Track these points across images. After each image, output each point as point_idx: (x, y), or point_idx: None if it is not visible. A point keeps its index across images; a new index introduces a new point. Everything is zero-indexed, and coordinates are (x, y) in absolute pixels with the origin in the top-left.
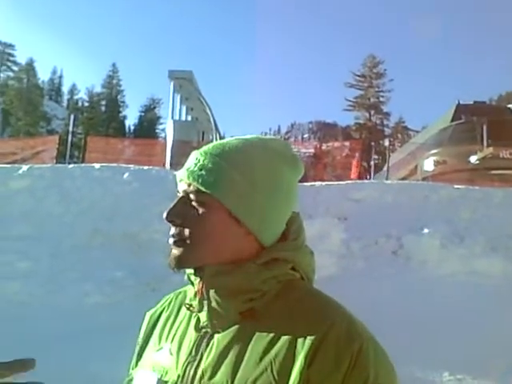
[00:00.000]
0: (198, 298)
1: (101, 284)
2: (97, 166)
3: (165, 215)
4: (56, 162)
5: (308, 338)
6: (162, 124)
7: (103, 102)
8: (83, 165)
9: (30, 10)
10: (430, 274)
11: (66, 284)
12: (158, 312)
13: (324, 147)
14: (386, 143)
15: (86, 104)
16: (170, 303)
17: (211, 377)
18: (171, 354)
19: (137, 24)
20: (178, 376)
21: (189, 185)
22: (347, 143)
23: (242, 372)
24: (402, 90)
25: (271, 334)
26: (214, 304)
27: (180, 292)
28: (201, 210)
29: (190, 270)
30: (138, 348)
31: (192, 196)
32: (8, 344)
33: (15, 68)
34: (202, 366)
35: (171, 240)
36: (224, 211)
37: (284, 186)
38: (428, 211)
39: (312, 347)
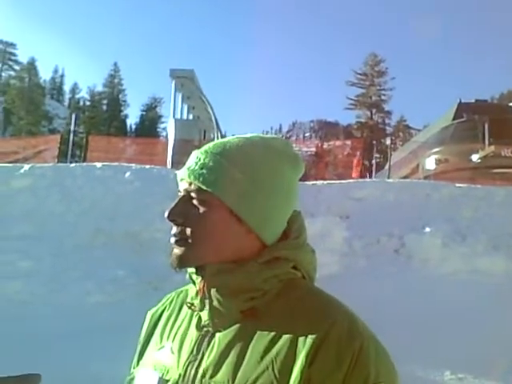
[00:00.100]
0: (199, 297)
1: (103, 283)
2: (98, 165)
3: (166, 214)
4: (58, 161)
5: (309, 336)
6: (163, 123)
7: (105, 101)
8: (85, 164)
9: (31, 9)
10: (431, 272)
11: (68, 283)
12: (160, 311)
13: (325, 146)
14: (388, 142)
15: (88, 103)
16: (171, 302)
17: (212, 376)
18: (172, 352)
19: (138, 23)
20: (180, 375)
21: (190, 184)
22: (349, 142)
23: (243, 371)
24: (403, 89)
25: (272, 333)
26: (215, 303)
27: (181, 291)
28: (202, 209)
29: (191, 269)
30: (139, 347)
31: (193, 195)
32: (10, 343)
33: (17, 67)
34: (204, 364)
35: (173, 239)
36: (225, 210)
37: (285, 185)
38: (430, 210)
39: (313, 346)
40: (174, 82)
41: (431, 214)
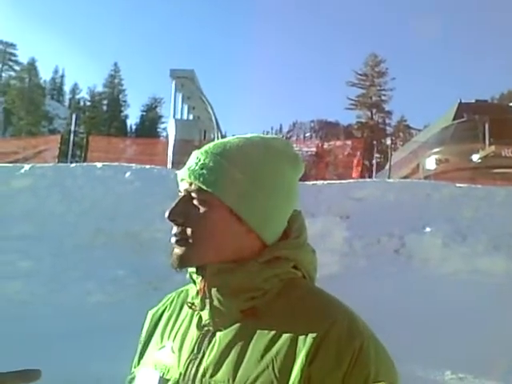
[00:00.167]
0: (200, 297)
1: (103, 283)
2: (99, 165)
3: (167, 214)
4: (58, 162)
5: (309, 335)
6: (163, 123)
7: (105, 102)
8: (85, 164)
9: (31, 9)
10: (432, 272)
11: (68, 283)
12: (161, 311)
13: (326, 146)
14: (388, 142)
15: (88, 103)
16: (172, 302)
17: (213, 375)
18: (173, 352)
19: (138, 23)
20: (180, 374)
21: (190, 184)
22: (349, 142)
23: (243, 370)
24: (403, 89)
25: (273, 332)
26: (215, 302)
27: (182, 291)
28: (202, 209)
29: (191, 269)
30: (140, 346)
31: (193, 195)
32: (10, 343)
33: (17, 67)
34: (204, 364)
35: (173, 239)
36: (225, 209)
37: (285, 185)
38: (430, 210)
39: (313, 345)
40: (174, 83)
41: (431, 214)
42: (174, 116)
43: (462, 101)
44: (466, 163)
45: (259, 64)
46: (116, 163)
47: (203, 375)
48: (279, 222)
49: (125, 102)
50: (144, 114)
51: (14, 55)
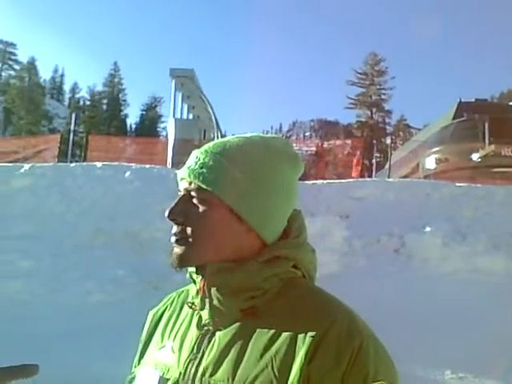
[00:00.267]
0: (199, 296)
1: (103, 283)
2: (98, 164)
3: (166, 213)
4: (58, 161)
5: (309, 334)
6: (163, 122)
7: (105, 101)
8: (85, 163)
9: (31, 8)
10: (431, 272)
11: (68, 283)
12: (161, 311)
13: (326, 145)
14: (388, 141)
15: (88, 103)
16: (172, 302)
17: (212, 374)
18: (173, 351)
19: (138, 23)
20: (180, 373)
21: (190, 183)
22: (349, 141)
23: (242, 369)
24: (403, 88)
25: (272, 331)
26: (215, 302)
27: (182, 291)
28: (202, 208)
29: (191, 269)
30: (140, 346)
31: (193, 194)
32: (10, 343)
33: (17, 67)
34: (204, 363)
35: (173, 238)
36: (225, 209)
37: (285, 184)
38: (430, 209)
39: (312, 344)
40: (173, 82)
41: (431, 213)
42: (173, 115)
43: (462, 100)
44: (466, 162)
45: (259, 63)
46: (116, 163)
47: (203, 374)
48: (279, 222)
49: (124, 101)
50: (144, 113)
51: (14, 54)
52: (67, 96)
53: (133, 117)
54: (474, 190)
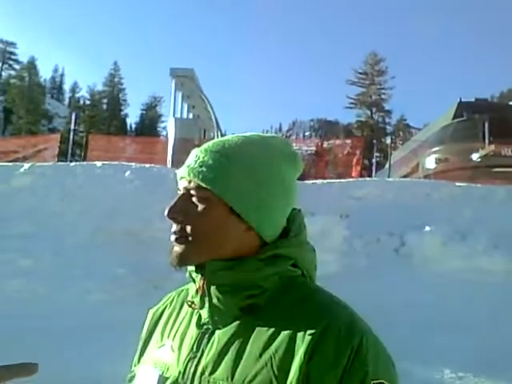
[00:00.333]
0: (199, 295)
1: (103, 282)
2: (98, 164)
3: (166, 212)
4: (58, 160)
5: (308, 333)
6: (163, 122)
7: (105, 100)
8: (85, 163)
9: (31, 8)
10: (431, 271)
11: (68, 282)
12: (161, 309)
13: (325, 145)
14: (388, 141)
15: (88, 102)
16: (172, 301)
17: (212, 372)
18: (173, 350)
19: (138, 22)
20: (179, 372)
21: (189, 182)
22: (349, 141)
23: (242, 367)
24: (403, 88)
25: (272, 330)
26: (214, 300)
27: (182, 290)
28: (202, 207)
29: (191, 267)
30: (140, 345)
31: (193, 192)
32: (10, 342)
33: (17, 66)
34: (203, 362)
35: (173, 237)
36: (224, 207)
37: (284, 183)
38: (430, 209)
39: (312, 342)
40: (174, 81)
41: (431, 213)
42: (173, 115)
43: (462, 100)
44: (466, 162)
45: (259, 63)
46: (116, 162)
47: (202, 373)
48: (278, 220)
49: (125, 100)
50: (144, 112)
51: (14, 54)
52: (67, 95)
53: (133, 116)
54: (474, 190)
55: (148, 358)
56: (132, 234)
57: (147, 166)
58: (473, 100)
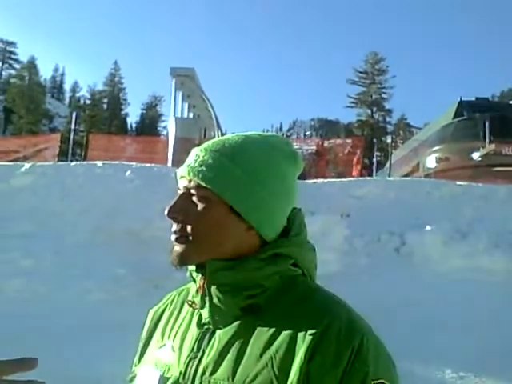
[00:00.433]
0: (199, 295)
1: (103, 281)
2: (99, 163)
3: (166, 212)
4: (58, 160)
5: (309, 333)
6: (163, 121)
7: (105, 100)
8: (85, 162)
9: (31, 7)
10: (432, 270)
11: (69, 281)
12: (161, 309)
13: (326, 144)
14: (389, 140)
15: (88, 102)
16: (172, 301)
17: (212, 372)
18: (173, 350)
19: (139, 22)
20: (180, 372)
21: (189, 181)
22: (349, 140)
23: (242, 367)
24: (404, 87)
25: (272, 330)
26: (215, 300)
27: (183, 289)
28: (202, 206)
29: (191, 267)
30: (141, 345)
31: (193, 192)
32: (10, 341)
33: (17, 66)
34: (204, 362)
35: (173, 236)
36: (225, 206)
37: (284, 182)
38: (430, 208)
39: (312, 342)
40: (174, 81)
41: (432, 212)
42: (174, 114)
43: (463, 99)
44: (467, 161)
45: (259, 62)
46: (116, 162)
47: (203, 373)
48: (279, 219)
49: (125, 100)
50: (144, 112)
51: (14, 53)
52: (68, 95)
53: (133, 116)
54: (475, 189)
55: (149, 359)
56: (132, 233)
57: (148, 165)
58: (473, 99)
